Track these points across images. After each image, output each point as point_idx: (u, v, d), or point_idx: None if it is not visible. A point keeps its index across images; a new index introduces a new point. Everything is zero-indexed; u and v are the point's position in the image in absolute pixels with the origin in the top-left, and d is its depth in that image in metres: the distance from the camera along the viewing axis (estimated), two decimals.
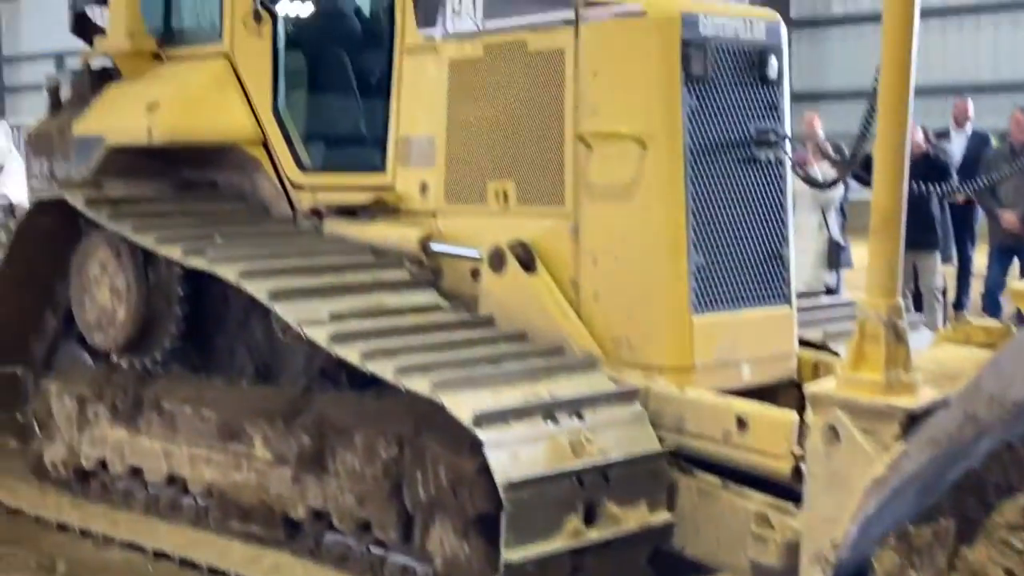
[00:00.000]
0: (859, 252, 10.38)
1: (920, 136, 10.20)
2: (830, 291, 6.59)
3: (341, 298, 4.96)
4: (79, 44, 6.63)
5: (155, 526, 5.68)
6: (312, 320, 4.73)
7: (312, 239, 5.59)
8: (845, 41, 22.56)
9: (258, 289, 4.87)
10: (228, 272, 4.98)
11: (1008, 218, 10.38)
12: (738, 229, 4.99)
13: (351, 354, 4.54)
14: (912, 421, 3.39)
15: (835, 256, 9.80)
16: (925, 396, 3.47)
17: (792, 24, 4.85)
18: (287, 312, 4.79)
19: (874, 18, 21.57)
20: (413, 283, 5.25)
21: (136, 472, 5.80)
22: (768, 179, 5.10)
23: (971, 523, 3.35)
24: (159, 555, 5.52)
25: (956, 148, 11.95)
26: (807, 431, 4.03)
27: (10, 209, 23.20)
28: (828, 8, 23.18)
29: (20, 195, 23.04)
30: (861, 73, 21.26)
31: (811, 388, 3.63)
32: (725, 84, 4.93)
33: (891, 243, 3.52)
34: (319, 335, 4.65)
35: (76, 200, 5.60)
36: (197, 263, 5.15)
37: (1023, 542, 3.23)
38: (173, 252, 5.25)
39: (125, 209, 5.56)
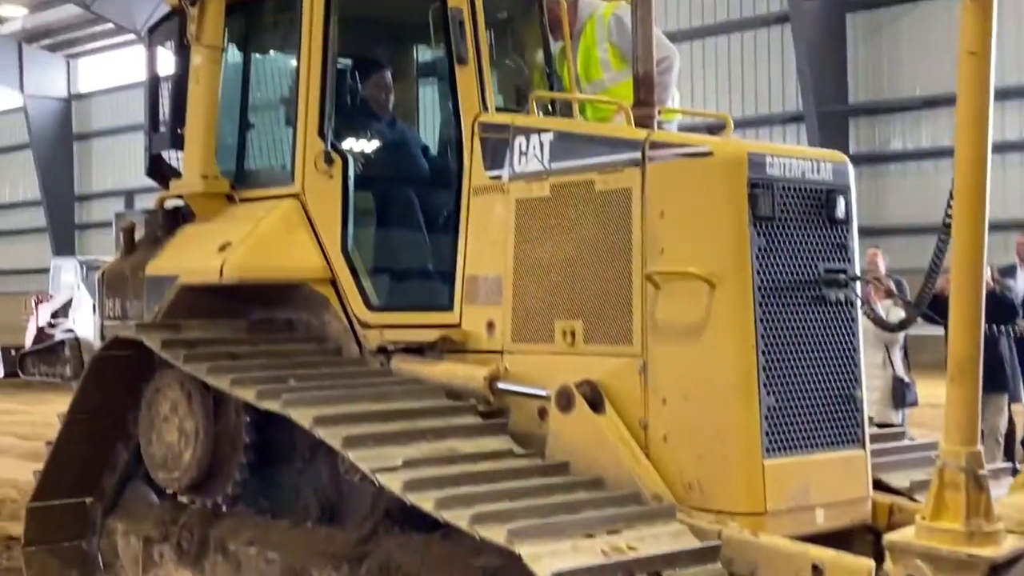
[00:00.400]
0: (923, 389, 10.28)
1: (987, 274, 10.06)
2: (899, 432, 6.43)
3: (414, 444, 4.90)
4: (147, 182, 6.80)
5: None
6: (386, 467, 4.68)
7: (383, 381, 5.55)
8: (904, 177, 22.63)
9: (332, 436, 4.84)
10: (303, 418, 4.95)
11: None
12: (809, 370, 4.93)
13: (425, 503, 4.46)
14: (995, 572, 3.29)
15: (900, 394, 9.66)
16: (1008, 545, 3.36)
17: (850, 160, 4.93)
18: (361, 459, 4.75)
19: (932, 154, 21.79)
20: (485, 428, 5.20)
21: None
22: (838, 319, 5.05)
23: None
24: None
25: (1021, 284, 11.81)
26: None
27: (76, 343, 23.64)
28: (886, 144, 23.29)
29: (86, 330, 23.52)
30: (919, 208, 21.27)
31: (890, 537, 3.54)
32: (793, 224, 4.92)
33: (969, 390, 3.46)
34: (393, 483, 4.60)
35: (153, 342, 5.61)
36: (271, 406, 5.12)
37: None
38: (247, 395, 5.23)
39: (201, 351, 5.56)
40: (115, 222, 34.95)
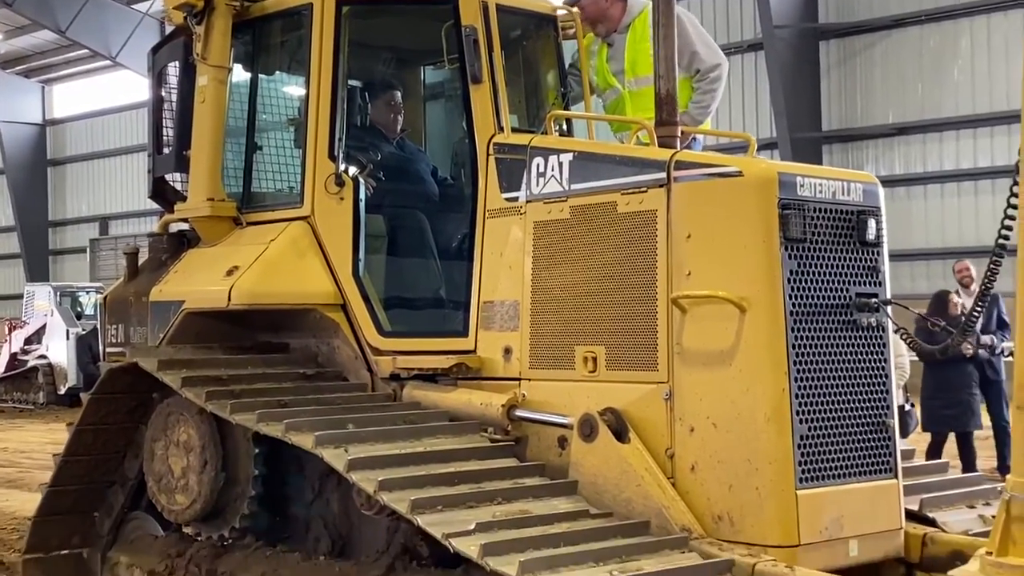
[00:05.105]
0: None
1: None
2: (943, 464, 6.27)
3: (423, 465, 4.77)
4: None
5: None
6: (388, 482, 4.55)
7: (414, 415, 5.30)
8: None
9: (398, 501, 4.52)
10: (367, 482, 4.60)
11: None
12: (841, 397, 4.80)
13: (434, 528, 4.32)
14: None
15: (904, 423, 9.55)
16: None
17: None
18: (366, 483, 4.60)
19: (904, 181, 21.80)
20: (492, 450, 5.04)
21: None
22: (870, 344, 4.93)
23: None
24: None
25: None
26: None
27: (50, 370, 23.51)
28: (859, 171, 23.31)
29: (59, 357, 23.43)
30: (892, 235, 21.42)
31: (955, 574, 3.38)
32: (824, 246, 4.79)
33: None
34: (401, 505, 4.45)
35: (173, 381, 5.34)
36: (336, 463, 4.74)
37: None
38: (305, 442, 4.86)
39: (246, 401, 5.22)
40: (89, 248, 34.75)
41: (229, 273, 5.67)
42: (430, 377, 5.57)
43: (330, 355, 5.80)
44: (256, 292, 5.62)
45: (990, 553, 3.31)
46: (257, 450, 5.39)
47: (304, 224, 5.75)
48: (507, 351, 5.39)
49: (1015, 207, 3.99)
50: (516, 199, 5.42)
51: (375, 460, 4.73)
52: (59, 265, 37.28)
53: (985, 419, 11.53)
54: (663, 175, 4.89)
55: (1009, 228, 4.16)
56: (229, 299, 5.60)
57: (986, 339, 10.92)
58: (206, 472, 5.47)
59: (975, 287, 11.70)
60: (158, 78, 6.41)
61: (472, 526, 4.30)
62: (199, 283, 5.90)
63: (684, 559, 4.35)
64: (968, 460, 10.70)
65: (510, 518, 4.46)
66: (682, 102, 5.68)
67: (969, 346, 10.37)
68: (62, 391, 23.13)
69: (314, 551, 5.49)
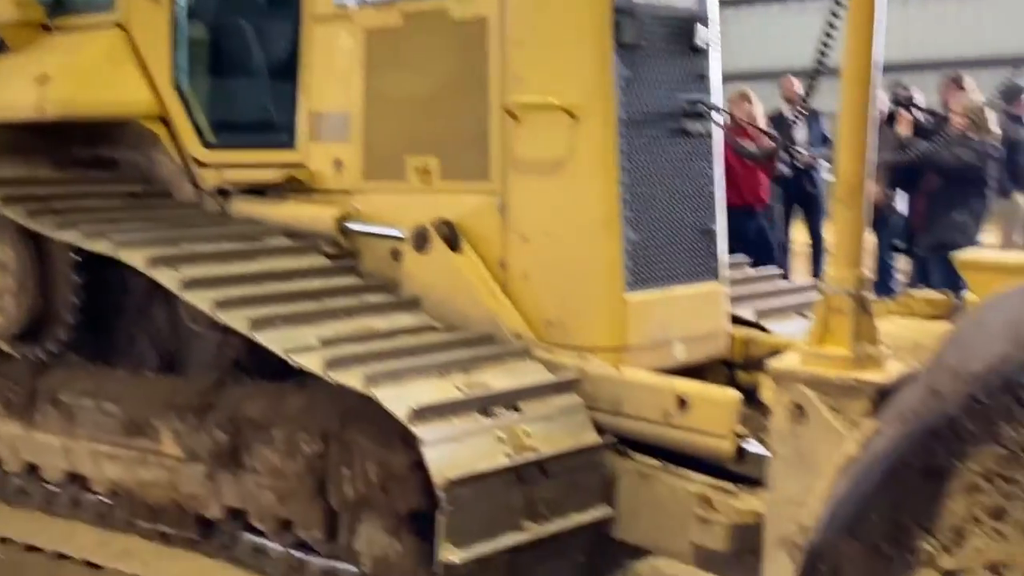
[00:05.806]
0: None
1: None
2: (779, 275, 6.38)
3: (260, 284, 4.69)
4: None
5: (54, 526, 5.32)
6: (225, 302, 4.45)
7: (250, 231, 5.19)
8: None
9: (235, 319, 4.46)
10: (203, 301, 4.52)
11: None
12: (669, 204, 4.84)
13: (274, 344, 4.26)
14: (882, 397, 3.26)
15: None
16: (894, 370, 3.34)
17: None
18: (199, 301, 4.48)
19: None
20: (333, 269, 4.98)
21: (32, 469, 5.44)
22: (698, 152, 4.95)
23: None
24: (61, 556, 5.17)
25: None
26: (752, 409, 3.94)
27: None
28: None
29: None
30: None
31: (773, 364, 3.47)
32: (656, 53, 4.75)
33: (855, 213, 3.38)
34: (239, 323, 4.37)
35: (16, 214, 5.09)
36: (166, 281, 4.64)
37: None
38: (134, 259, 4.73)
39: (75, 217, 5.05)
40: None
41: (38, 81, 5.36)
42: (259, 191, 5.42)
43: (151, 169, 5.59)
44: (69, 101, 5.34)
45: (809, 344, 3.40)
46: (77, 277, 5.20)
47: (119, 30, 5.46)
48: (338, 163, 5.26)
49: (832, 26, 4.06)
50: (344, 5, 5.22)
51: (211, 280, 4.62)
52: None
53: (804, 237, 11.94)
54: None
55: (827, 45, 4.22)
56: (40, 109, 5.31)
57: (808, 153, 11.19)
58: (21, 295, 5.27)
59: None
60: None
61: (314, 341, 4.26)
62: (6, 93, 5.57)
63: (528, 369, 4.40)
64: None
65: (353, 333, 4.44)
66: None
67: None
68: None
69: (140, 366, 5.38)
